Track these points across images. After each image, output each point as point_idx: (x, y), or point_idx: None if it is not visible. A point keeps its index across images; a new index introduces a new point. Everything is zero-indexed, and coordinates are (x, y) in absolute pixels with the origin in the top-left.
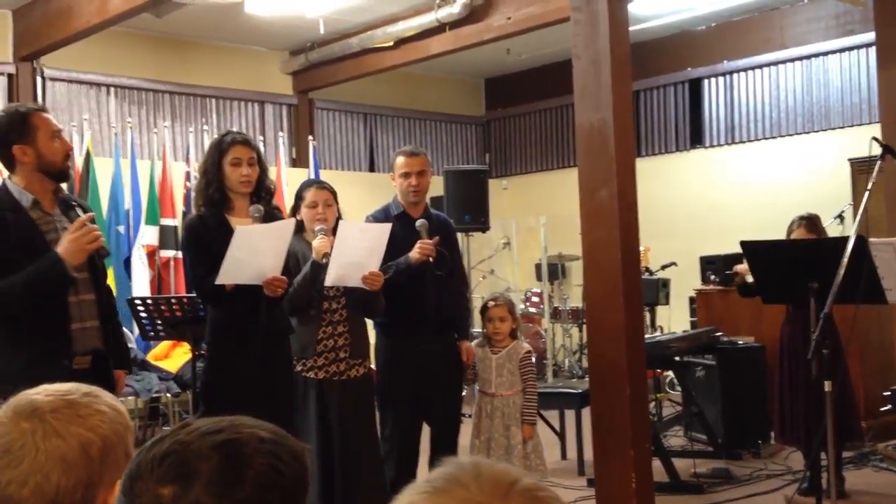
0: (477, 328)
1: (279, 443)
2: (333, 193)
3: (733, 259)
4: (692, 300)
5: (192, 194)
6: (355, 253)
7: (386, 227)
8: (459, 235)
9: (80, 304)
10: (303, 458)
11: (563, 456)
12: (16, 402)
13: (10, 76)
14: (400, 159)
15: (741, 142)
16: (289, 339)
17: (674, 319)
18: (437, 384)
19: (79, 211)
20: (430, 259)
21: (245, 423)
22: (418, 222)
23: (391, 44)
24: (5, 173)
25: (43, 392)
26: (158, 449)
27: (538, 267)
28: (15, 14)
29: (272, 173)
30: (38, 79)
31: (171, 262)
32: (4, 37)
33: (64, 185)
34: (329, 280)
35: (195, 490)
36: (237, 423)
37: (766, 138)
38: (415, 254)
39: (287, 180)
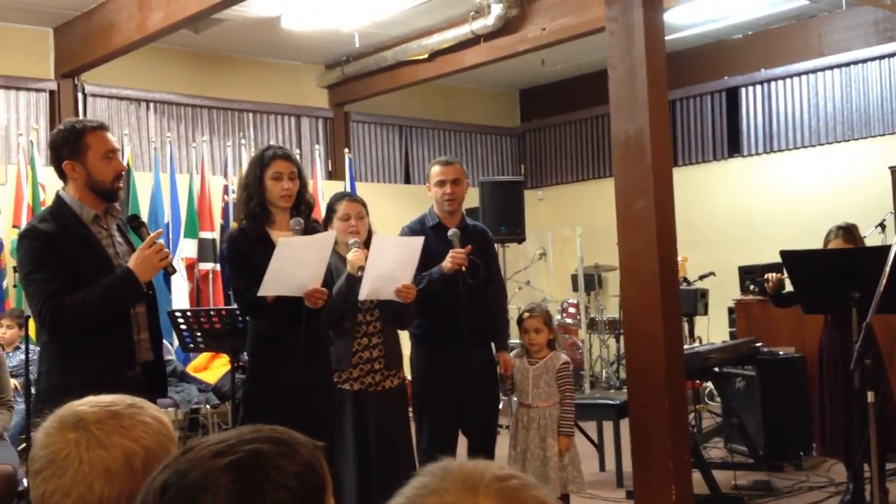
0: (515, 339)
1: (292, 447)
2: (365, 206)
3: (773, 269)
4: (731, 310)
5: (234, 207)
6: (389, 266)
7: (419, 241)
8: (496, 246)
9: (137, 317)
10: (317, 456)
11: (602, 468)
12: (62, 414)
13: (51, 93)
14: (435, 168)
15: (779, 150)
16: (329, 350)
17: (712, 330)
18: (473, 395)
19: (142, 231)
20: (463, 268)
21: (248, 434)
22: (450, 231)
23: (426, 56)
24: (60, 183)
25: (88, 403)
26: (160, 479)
27: (574, 277)
28: (56, 32)
29: (308, 187)
30: (80, 95)
31: (210, 275)
32: (46, 54)
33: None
34: (363, 294)
35: None
36: (241, 436)
37: (804, 147)
38: (447, 263)
39: (323, 193)
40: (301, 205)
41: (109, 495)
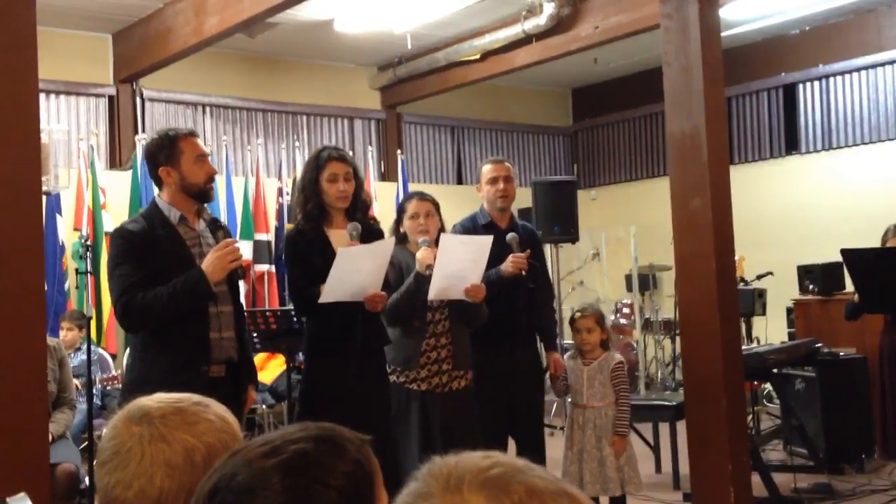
0: (568, 340)
1: (338, 444)
2: (435, 205)
3: (832, 267)
4: (790, 310)
5: (288, 209)
6: (457, 265)
7: (488, 239)
8: (548, 247)
9: (220, 315)
10: (365, 452)
11: (658, 469)
12: (129, 408)
13: (110, 98)
14: (487, 167)
15: (838, 147)
16: (384, 350)
17: (771, 330)
18: (523, 394)
19: (219, 234)
20: (523, 272)
21: (294, 434)
22: (509, 236)
23: (478, 56)
24: (119, 188)
25: (156, 399)
26: (209, 482)
27: (628, 278)
28: (115, 38)
29: (364, 186)
30: (138, 100)
31: (265, 276)
32: (105, 60)
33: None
34: (432, 293)
35: None
36: (287, 436)
37: (863, 143)
38: (507, 267)
39: (376, 194)
40: (357, 204)
41: (169, 489)
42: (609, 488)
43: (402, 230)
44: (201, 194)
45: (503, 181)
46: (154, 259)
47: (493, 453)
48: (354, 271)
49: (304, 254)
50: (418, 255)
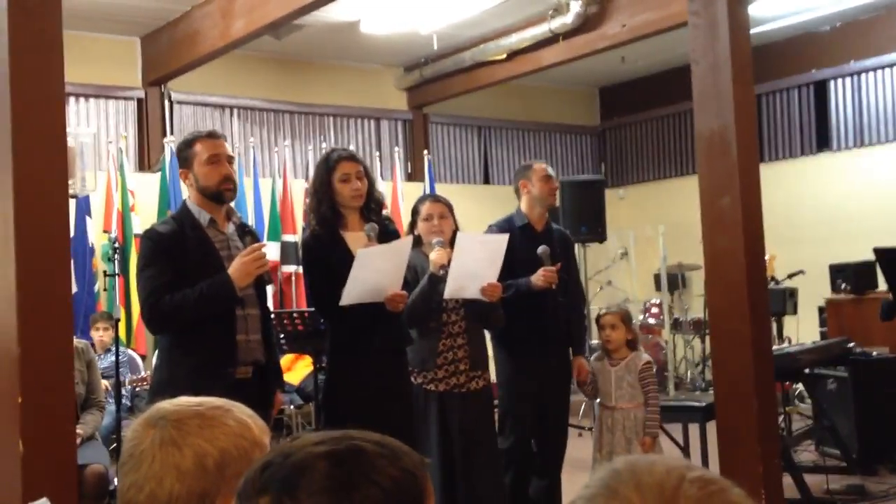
0: (596, 339)
1: (395, 452)
2: (449, 206)
3: (864, 266)
4: (821, 310)
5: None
6: (473, 264)
7: (504, 238)
8: (576, 246)
9: (247, 318)
10: (420, 469)
11: None
12: (150, 410)
13: (139, 100)
14: (540, 164)
15: (870, 144)
16: (406, 351)
17: (802, 330)
18: (552, 398)
19: (247, 239)
20: (553, 286)
21: (356, 434)
22: (540, 249)
23: (504, 56)
24: (147, 189)
25: (176, 402)
26: (262, 459)
27: (657, 277)
28: (143, 41)
29: (389, 188)
30: (166, 102)
31: (293, 278)
32: (134, 63)
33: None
34: (447, 292)
35: (300, 499)
36: (348, 434)
37: None
38: (538, 280)
39: (403, 195)
40: (371, 203)
41: (179, 493)
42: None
43: (416, 232)
44: (215, 196)
45: (555, 180)
46: (182, 261)
47: (696, 466)
48: (374, 271)
49: (322, 258)
50: (432, 255)
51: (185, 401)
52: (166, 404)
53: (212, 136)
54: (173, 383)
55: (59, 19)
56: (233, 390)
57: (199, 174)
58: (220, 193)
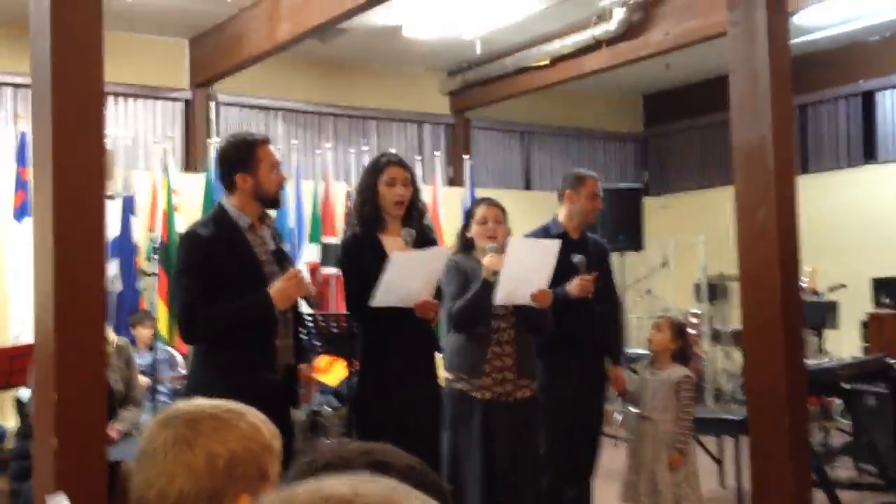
0: (633, 349)
1: (425, 473)
2: (504, 211)
3: None
4: (864, 324)
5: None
6: (525, 270)
7: (556, 244)
8: (614, 255)
9: (285, 322)
10: (444, 492)
11: (722, 485)
12: (165, 410)
13: (186, 102)
14: (593, 180)
15: None
16: (433, 355)
17: (844, 344)
18: (585, 407)
19: (285, 265)
20: (589, 295)
21: (393, 450)
22: (576, 258)
23: (547, 62)
24: (192, 190)
25: (192, 404)
26: (311, 463)
27: (697, 287)
28: (191, 43)
29: (429, 192)
30: (212, 104)
31: (332, 280)
32: (181, 65)
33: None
34: (499, 298)
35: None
36: (386, 448)
37: None
38: (574, 290)
39: (443, 199)
40: (413, 212)
41: (189, 491)
42: (658, 502)
43: (468, 236)
44: (273, 202)
45: (601, 199)
46: (222, 265)
47: (324, 481)
48: (407, 276)
49: (359, 260)
50: (485, 260)
51: (199, 403)
52: (182, 405)
53: (269, 141)
54: (209, 385)
55: (100, 20)
56: (266, 393)
57: (264, 180)
58: (278, 199)
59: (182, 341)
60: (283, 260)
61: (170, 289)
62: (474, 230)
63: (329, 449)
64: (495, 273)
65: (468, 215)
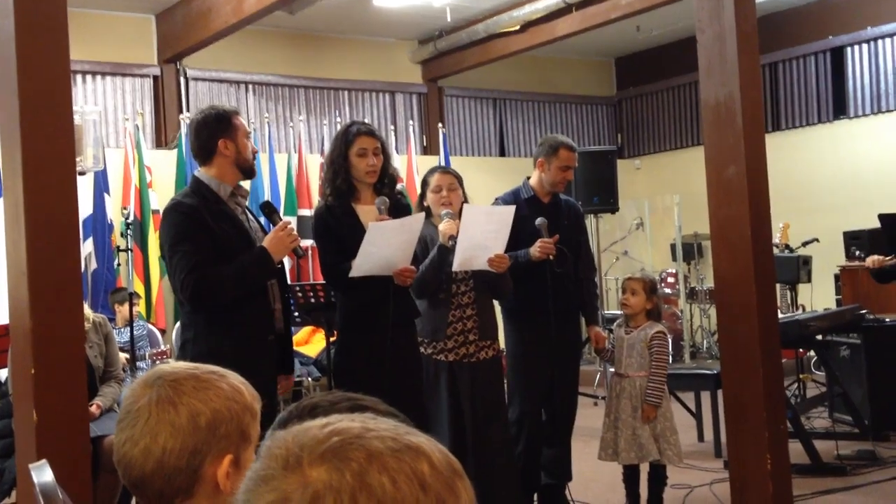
0: (609, 310)
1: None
2: (458, 178)
3: (879, 233)
4: (837, 277)
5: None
6: (481, 236)
7: (510, 210)
8: (589, 218)
9: (273, 287)
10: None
11: (700, 438)
12: (148, 372)
13: (155, 77)
14: (567, 152)
15: (887, 111)
16: (415, 323)
17: (817, 298)
18: (559, 368)
19: (275, 218)
20: (550, 257)
21: (377, 400)
22: (538, 221)
23: (518, 28)
24: (164, 165)
25: (174, 365)
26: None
27: (673, 247)
28: (158, 18)
29: (404, 162)
30: (182, 79)
31: (308, 251)
32: (149, 41)
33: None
34: (456, 264)
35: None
36: (371, 398)
37: None
38: (535, 252)
39: (418, 168)
40: (385, 179)
41: (172, 448)
42: (643, 455)
43: (425, 203)
44: (250, 170)
45: (572, 171)
46: (213, 234)
47: (332, 419)
48: (384, 245)
49: (334, 229)
50: (441, 226)
51: (181, 364)
52: (164, 367)
53: (239, 113)
54: (216, 355)
55: (64, 1)
56: (273, 356)
57: (243, 148)
58: (254, 168)
59: (190, 307)
60: (273, 212)
61: (145, 266)
62: (429, 198)
63: (317, 395)
64: (451, 238)
65: (423, 184)
